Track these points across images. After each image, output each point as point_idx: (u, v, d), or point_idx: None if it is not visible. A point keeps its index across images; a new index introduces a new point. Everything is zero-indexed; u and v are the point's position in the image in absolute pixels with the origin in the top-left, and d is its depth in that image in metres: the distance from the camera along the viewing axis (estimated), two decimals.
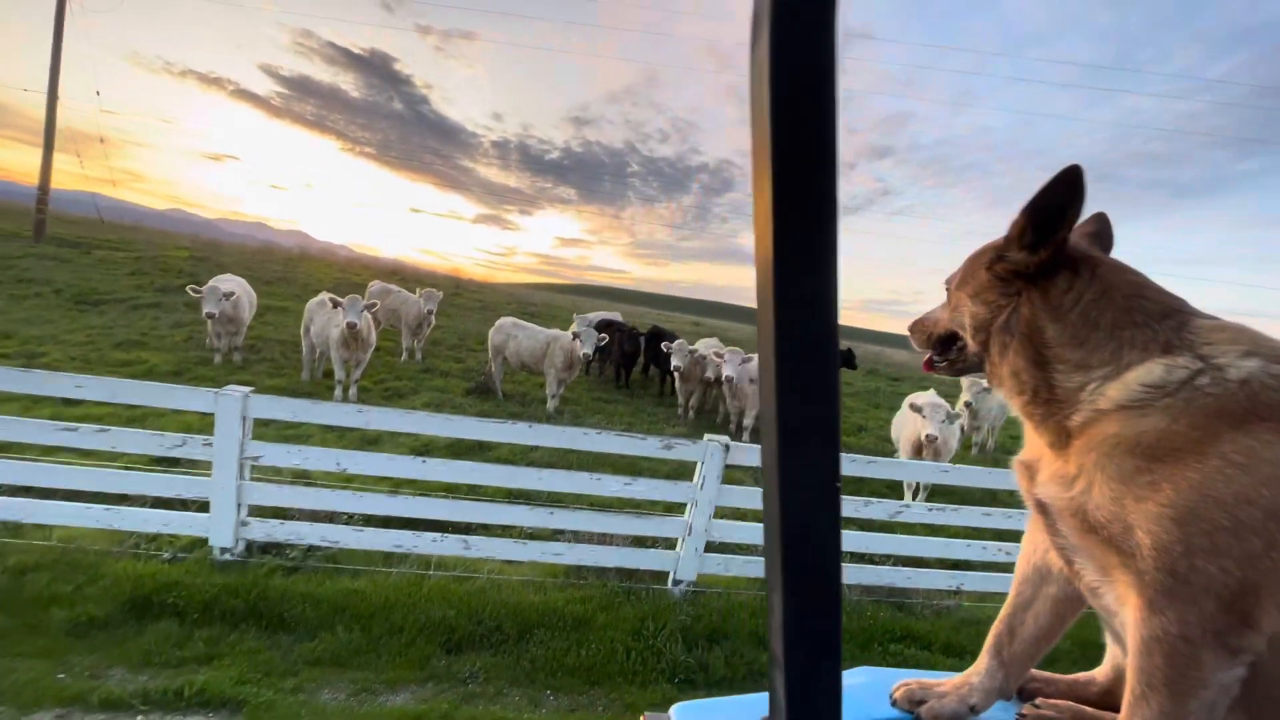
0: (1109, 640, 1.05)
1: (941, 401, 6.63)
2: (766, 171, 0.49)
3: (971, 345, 1.02)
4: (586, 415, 8.92)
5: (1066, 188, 0.83)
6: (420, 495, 4.23)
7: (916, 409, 6.41)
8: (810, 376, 0.53)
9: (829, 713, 0.63)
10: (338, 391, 8.00)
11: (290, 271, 19.38)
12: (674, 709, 0.96)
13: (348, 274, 21.11)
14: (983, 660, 1.03)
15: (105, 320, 10.18)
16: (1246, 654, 0.72)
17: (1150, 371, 0.79)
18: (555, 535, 4.49)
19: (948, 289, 1.09)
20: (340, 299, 7.92)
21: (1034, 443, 0.96)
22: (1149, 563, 0.73)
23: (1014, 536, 4.68)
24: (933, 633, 4.15)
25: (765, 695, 1.08)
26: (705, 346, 10.16)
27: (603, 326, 10.30)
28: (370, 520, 4.25)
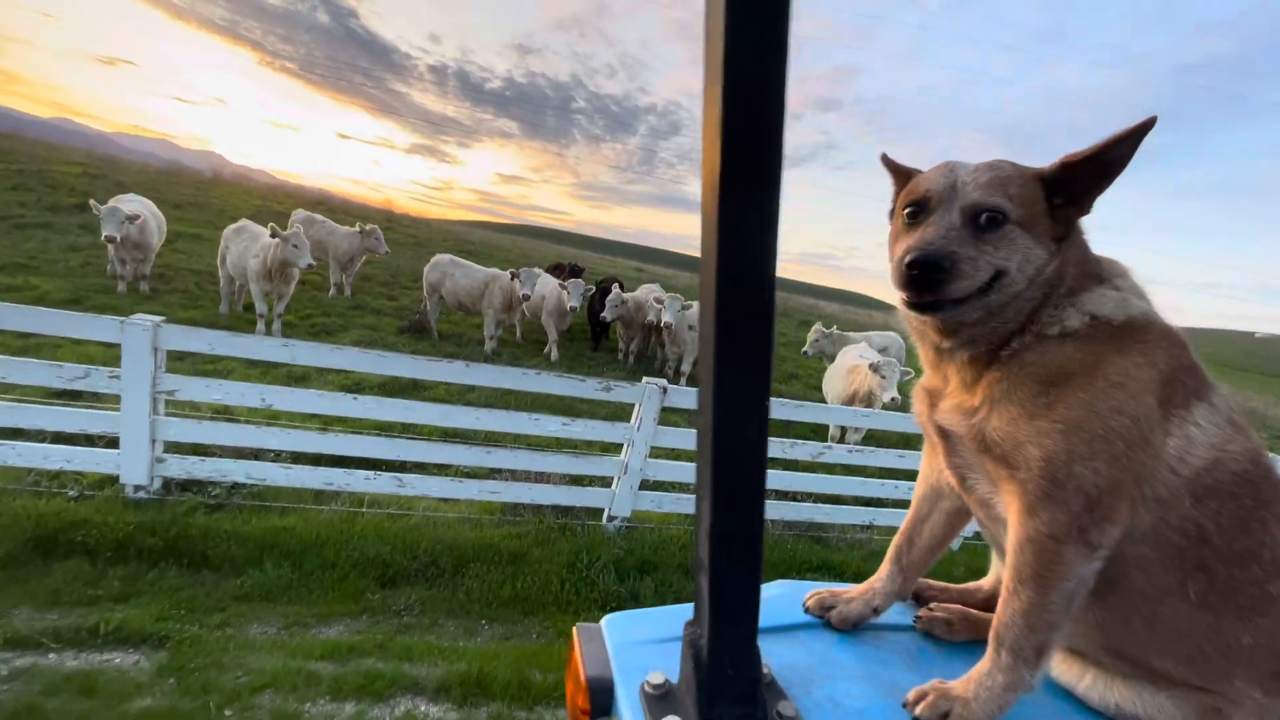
0: (994, 556, 1.18)
1: (894, 361, 6.64)
2: (716, 105, 0.50)
3: (1014, 286, 0.90)
4: (525, 358, 8.86)
5: (1137, 140, 0.85)
6: (353, 434, 4.14)
7: (875, 369, 6.34)
8: (748, 303, 0.56)
9: (748, 612, 0.69)
10: (260, 326, 7.58)
11: (203, 196, 17.82)
12: (604, 620, 1.02)
13: (269, 201, 19.63)
14: (884, 568, 1.15)
15: None
16: (1104, 549, 0.85)
17: (1099, 301, 0.90)
18: (493, 474, 4.52)
19: (1002, 222, 0.89)
20: (272, 227, 7.38)
21: (936, 373, 1.03)
22: (1034, 472, 0.84)
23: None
24: (846, 563, 4.49)
25: (690, 606, 1.16)
26: (646, 293, 10.18)
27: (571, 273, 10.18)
28: (300, 458, 4.14)
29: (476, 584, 3.54)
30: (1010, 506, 0.89)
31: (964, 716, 0.86)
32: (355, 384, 5.92)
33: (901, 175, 1.06)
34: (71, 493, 3.63)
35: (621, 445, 4.31)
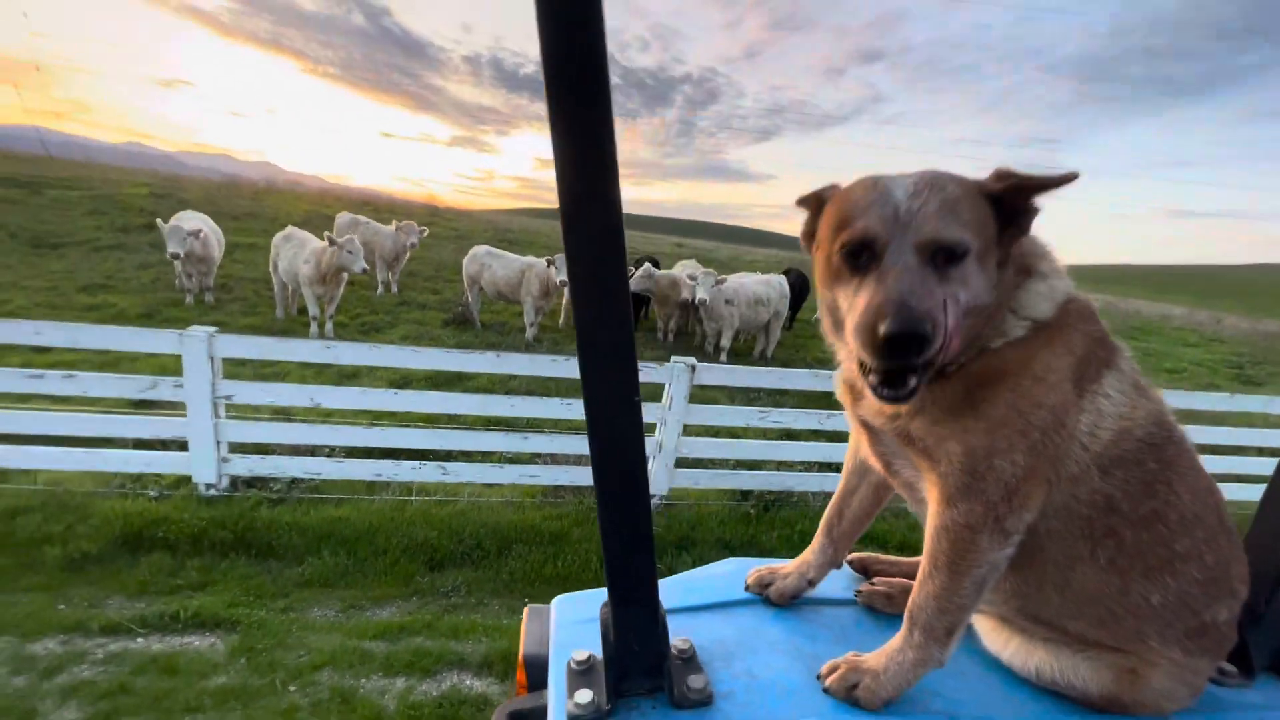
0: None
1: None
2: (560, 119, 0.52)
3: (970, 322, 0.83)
4: (566, 342, 9.00)
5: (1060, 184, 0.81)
6: (399, 426, 4.35)
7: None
8: (607, 310, 0.58)
9: (647, 593, 0.72)
10: (313, 328, 7.97)
11: (258, 206, 18.72)
12: (555, 600, 1.08)
13: (318, 207, 20.43)
14: (817, 540, 1.17)
15: (66, 264, 9.91)
16: (1017, 535, 0.86)
17: (1034, 302, 0.87)
18: (533, 458, 4.66)
19: (962, 257, 0.78)
20: (327, 235, 7.73)
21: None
22: (955, 465, 0.84)
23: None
24: (890, 533, 4.44)
25: None
26: (683, 269, 10.13)
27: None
28: (352, 451, 4.38)
29: (519, 564, 3.69)
30: (930, 494, 0.89)
31: (872, 689, 0.88)
32: (403, 378, 6.17)
33: (812, 200, 0.95)
34: (152, 493, 3.97)
35: (655, 424, 4.37)
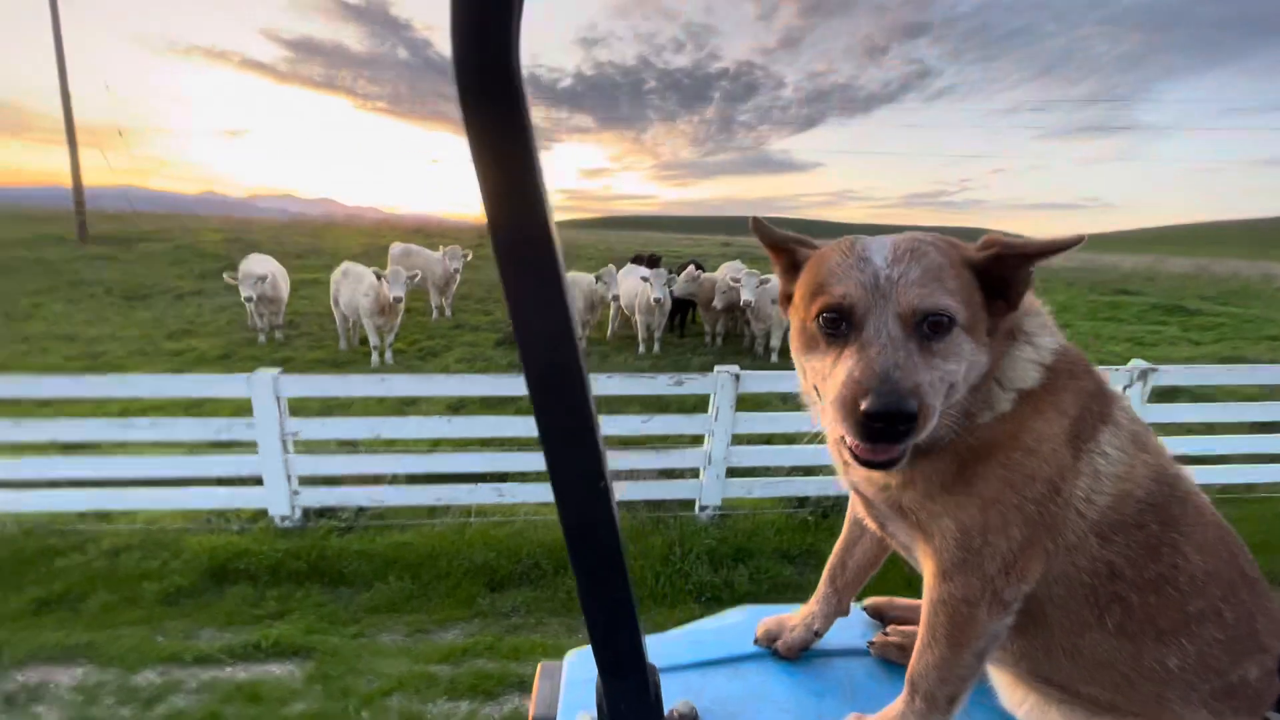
0: None
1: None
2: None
3: (957, 397, 0.79)
4: (613, 354, 9.08)
5: (1065, 249, 0.75)
6: (456, 451, 4.49)
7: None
8: (560, 395, 0.57)
9: (635, 665, 0.72)
10: (374, 357, 8.35)
11: (319, 242, 19.79)
12: (567, 656, 1.08)
13: (374, 238, 21.40)
14: (820, 589, 1.13)
15: (154, 313, 10.76)
16: (1016, 604, 0.82)
17: (1021, 371, 0.82)
18: None
19: (947, 330, 0.73)
20: (372, 269, 8.13)
21: None
22: (949, 541, 0.81)
23: None
24: None
25: (657, 637, 1.19)
26: (727, 270, 10.04)
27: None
28: (414, 478, 4.55)
29: (575, 583, 3.74)
30: (926, 567, 0.86)
31: None
32: (459, 401, 6.37)
33: (781, 250, 0.89)
34: (235, 527, 4.24)
35: (704, 435, 4.35)
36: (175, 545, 4.02)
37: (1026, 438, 0.79)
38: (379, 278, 7.89)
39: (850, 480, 0.94)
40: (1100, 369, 0.86)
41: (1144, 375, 4.37)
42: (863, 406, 0.67)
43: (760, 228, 0.88)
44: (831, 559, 1.13)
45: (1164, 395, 4.98)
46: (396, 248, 11.88)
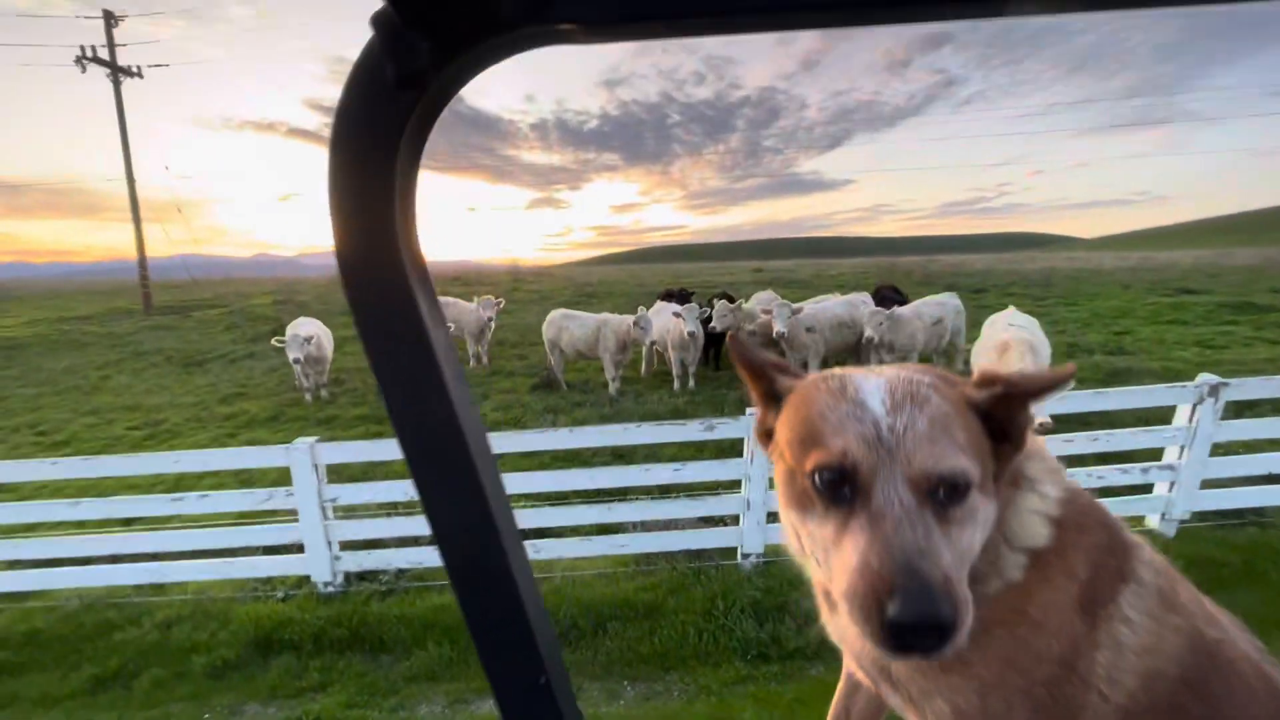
0: None
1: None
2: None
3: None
4: (648, 393, 9.01)
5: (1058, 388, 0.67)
6: None
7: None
8: (434, 451, 0.50)
9: None
10: None
11: None
12: None
13: None
14: None
15: (209, 378, 11.28)
16: None
17: (1030, 528, 0.71)
18: (620, 528, 4.63)
19: (963, 496, 0.65)
20: None
21: None
22: None
23: None
24: None
25: None
26: (758, 301, 9.93)
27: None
28: None
29: (615, 643, 3.63)
30: None
31: None
32: (496, 458, 6.39)
33: (758, 375, 0.79)
34: (279, 595, 4.30)
35: (740, 480, 4.22)
36: (224, 615, 4.09)
37: (1032, 609, 0.69)
38: None
39: (836, 630, 0.85)
40: (1111, 516, 0.75)
41: (1215, 391, 4.05)
42: (889, 613, 0.56)
43: (737, 347, 0.80)
44: (833, 707, 1.03)
45: (1240, 409, 4.61)
46: None
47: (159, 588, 4.44)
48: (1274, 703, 0.70)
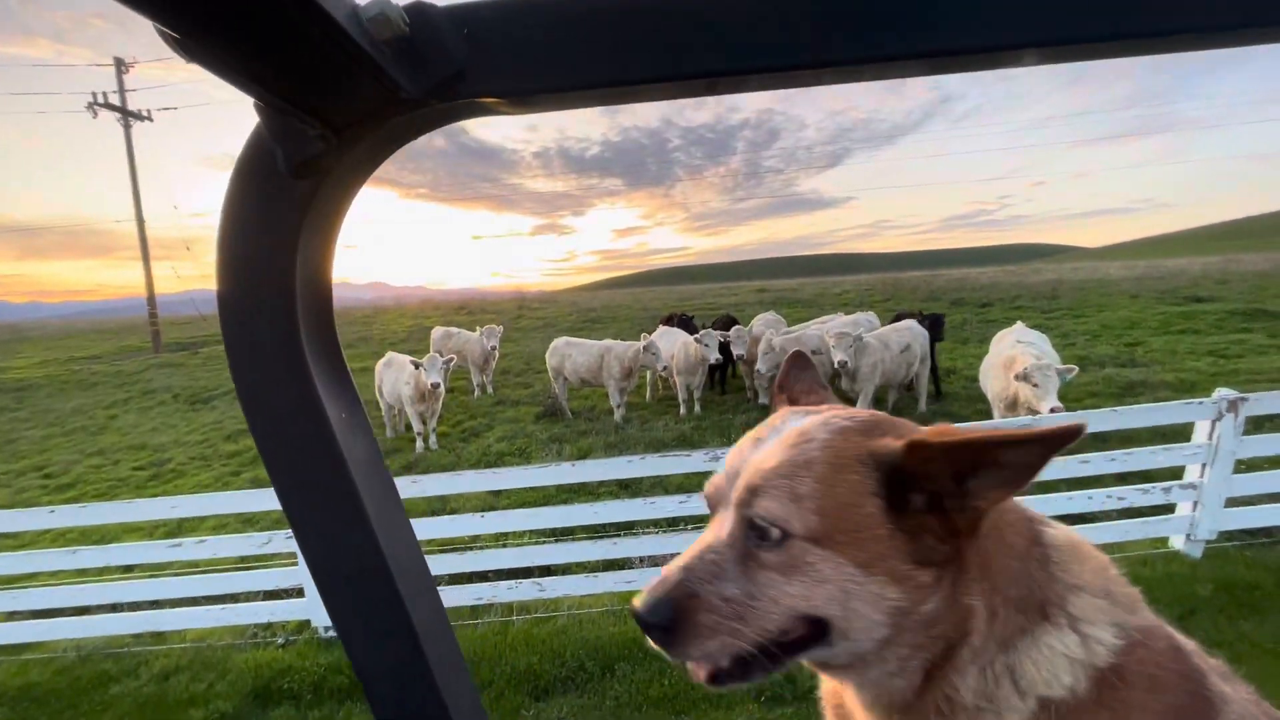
0: None
1: (1049, 365, 5.46)
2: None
3: (855, 640, 0.63)
4: (653, 418, 8.93)
5: (1049, 450, 0.56)
6: (495, 546, 4.39)
7: (1025, 378, 5.41)
8: (304, 473, 0.46)
9: None
10: (419, 444, 8.44)
11: (368, 330, 20.68)
12: None
13: (420, 320, 22.28)
14: None
15: (216, 416, 11.29)
16: None
17: (1047, 668, 0.60)
18: (627, 563, 4.52)
19: (773, 538, 0.63)
20: (410, 358, 8.35)
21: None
22: None
23: None
24: None
25: None
26: (761, 324, 9.88)
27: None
28: (454, 578, 4.44)
29: (623, 686, 3.50)
30: None
31: None
32: (500, 493, 6.30)
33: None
34: (279, 640, 4.20)
35: None
36: (223, 665, 3.99)
37: None
38: (416, 366, 8.07)
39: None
40: (1194, 664, 0.61)
41: (1234, 406, 3.93)
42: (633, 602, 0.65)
43: (785, 381, 0.84)
44: None
45: (1261, 423, 4.46)
46: (437, 332, 12.24)
47: (158, 636, 4.35)
48: None
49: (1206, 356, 9.99)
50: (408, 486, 4.02)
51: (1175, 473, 4.21)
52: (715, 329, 9.61)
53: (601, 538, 4.20)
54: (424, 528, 4.08)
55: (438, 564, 4.18)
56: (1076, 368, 5.60)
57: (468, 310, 23.16)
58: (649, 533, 4.31)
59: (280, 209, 0.38)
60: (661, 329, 10.55)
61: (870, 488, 0.61)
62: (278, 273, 0.39)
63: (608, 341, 9.28)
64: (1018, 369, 5.63)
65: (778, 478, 0.63)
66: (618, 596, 4.35)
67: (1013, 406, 5.79)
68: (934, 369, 8.77)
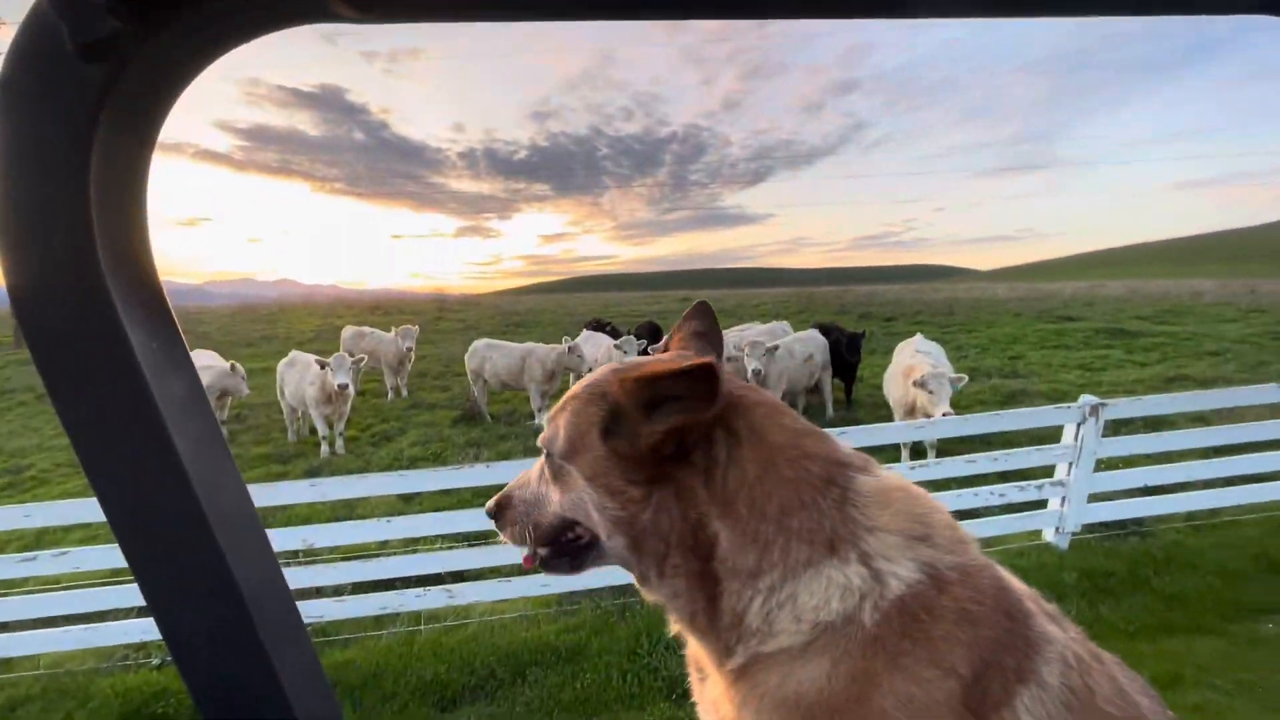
0: None
1: (943, 373, 5.89)
2: None
3: (608, 544, 0.77)
4: None
5: (693, 381, 0.66)
6: (404, 553, 4.20)
7: (921, 385, 5.80)
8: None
9: None
10: (324, 448, 7.96)
11: (272, 328, 19.34)
12: None
13: (329, 319, 21.05)
14: None
15: None
16: None
17: (821, 595, 0.64)
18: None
19: (549, 455, 0.80)
20: (316, 357, 7.86)
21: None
22: None
23: None
24: None
25: None
26: None
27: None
28: (360, 586, 4.20)
29: (535, 692, 3.43)
30: None
31: None
32: (411, 497, 6.04)
33: None
34: (154, 661, 3.83)
35: None
36: (82, 692, 3.58)
37: (888, 703, 0.59)
38: (323, 366, 7.62)
39: (700, 710, 0.81)
40: (1023, 607, 0.65)
41: (1095, 411, 4.38)
42: None
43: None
44: None
45: (1118, 427, 4.99)
46: (348, 331, 11.64)
47: (5, 663, 3.86)
48: None
49: (1076, 369, 11.10)
50: (305, 490, 3.78)
51: (1048, 471, 4.64)
52: (638, 336, 9.70)
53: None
54: (325, 534, 3.84)
55: (340, 573, 3.95)
56: (967, 377, 6.08)
57: (383, 310, 22.15)
58: None
59: (66, 98, 0.33)
60: (585, 333, 10.53)
61: (598, 418, 0.73)
62: (65, 166, 0.34)
63: (530, 344, 9.15)
64: (916, 376, 6.04)
65: (557, 413, 0.80)
66: (533, 601, 4.28)
67: (911, 412, 6.18)
68: (851, 379, 9.25)
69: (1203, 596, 3.85)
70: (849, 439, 4.69)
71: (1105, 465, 4.75)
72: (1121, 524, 4.72)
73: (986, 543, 4.58)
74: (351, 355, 8.02)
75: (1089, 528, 4.66)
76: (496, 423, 9.12)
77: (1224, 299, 21.40)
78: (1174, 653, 3.41)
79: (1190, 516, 4.80)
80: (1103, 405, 4.40)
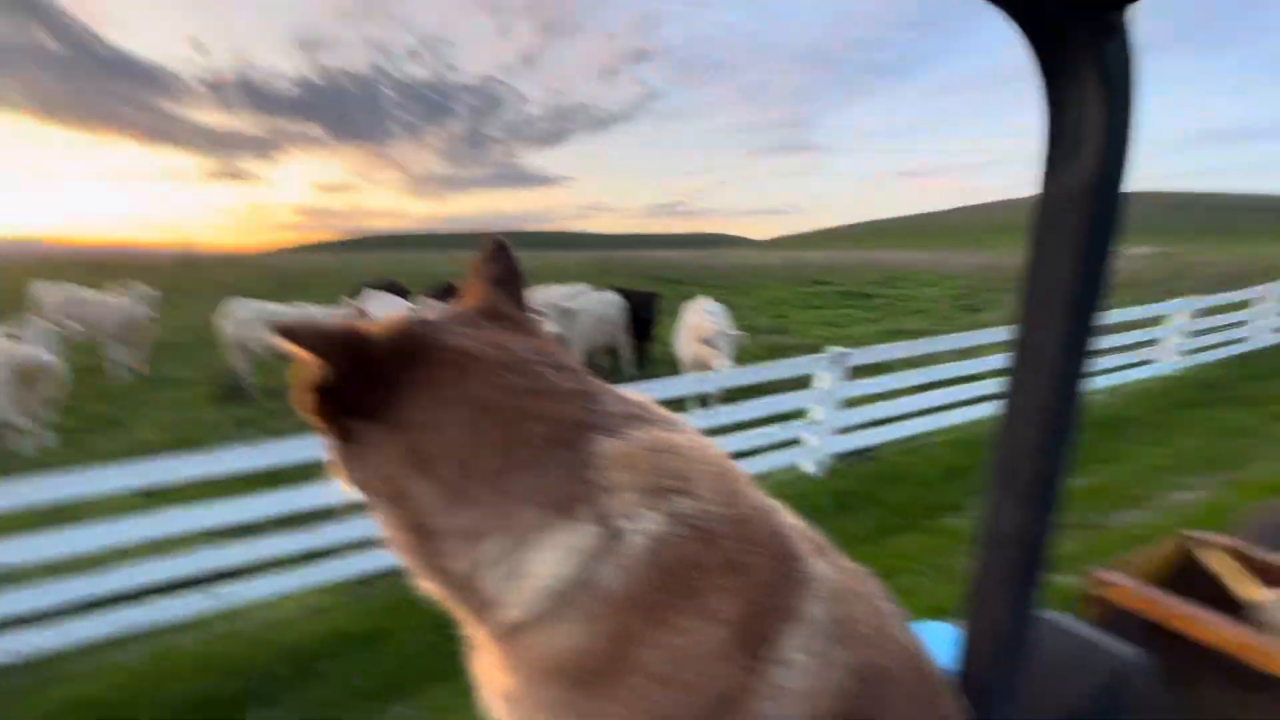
0: None
1: (724, 331, 6.68)
2: None
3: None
4: None
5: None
6: (151, 558, 3.54)
7: (708, 342, 6.48)
8: None
9: None
10: (25, 442, 6.30)
11: None
12: None
13: (40, 278, 16.37)
14: None
15: None
16: None
17: (553, 560, 0.60)
18: (334, 551, 4.08)
19: None
20: (2, 328, 6.09)
21: None
22: None
23: None
24: None
25: None
26: None
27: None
28: (90, 605, 3.44)
29: (325, 687, 3.18)
30: None
31: None
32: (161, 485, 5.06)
33: None
34: None
35: None
36: None
37: (649, 658, 0.58)
38: (12, 339, 5.98)
39: (477, 669, 0.79)
40: (792, 548, 0.67)
41: (839, 359, 5.23)
42: None
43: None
44: None
45: (860, 372, 6.00)
46: (53, 294, 9.23)
47: None
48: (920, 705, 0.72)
49: (826, 326, 13.13)
50: None
51: (804, 414, 5.45)
52: (437, 299, 9.15)
53: (301, 530, 3.71)
54: (30, 547, 3.08)
55: (65, 591, 3.21)
56: (745, 334, 6.87)
57: (109, 271, 17.87)
58: (353, 517, 3.94)
59: None
60: (369, 293, 9.64)
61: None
62: None
63: (304, 307, 8.13)
64: (703, 334, 6.68)
65: None
66: (320, 591, 3.92)
67: (697, 365, 6.84)
68: (647, 340, 9.78)
69: (912, 503, 4.88)
70: (648, 394, 5.02)
71: (847, 404, 5.71)
72: (859, 452, 5.75)
73: (758, 478, 5.28)
74: (53, 323, 6.39)
75: (838, 458, 5.59)
76: (269, 398, 8.01)
77: (926, 268, 26.80)
78: (892, 549, 4.27)
79: (906, 441, 6.01)
80: (846, 354, 5.28)
